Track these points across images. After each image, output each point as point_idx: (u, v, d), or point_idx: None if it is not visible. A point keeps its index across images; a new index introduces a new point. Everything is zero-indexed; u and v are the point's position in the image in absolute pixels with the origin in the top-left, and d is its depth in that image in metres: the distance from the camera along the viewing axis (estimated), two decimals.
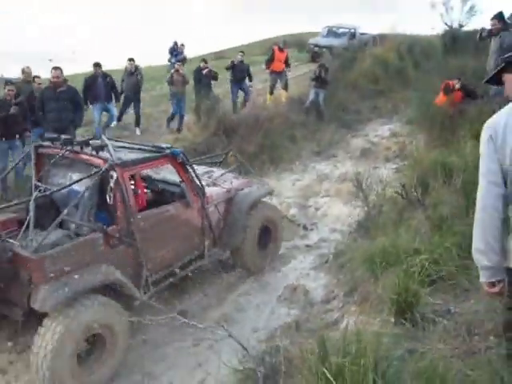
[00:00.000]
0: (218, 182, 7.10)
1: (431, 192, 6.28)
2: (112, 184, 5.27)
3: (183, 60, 15.61)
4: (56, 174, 5.91)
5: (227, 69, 14.23)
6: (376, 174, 9.66)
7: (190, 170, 6.17)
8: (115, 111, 12.18)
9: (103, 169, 5.25)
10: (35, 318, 4.81)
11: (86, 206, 5.33)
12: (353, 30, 21.65)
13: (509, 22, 10.35)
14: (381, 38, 21.41)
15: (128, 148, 6.12)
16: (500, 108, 2.96)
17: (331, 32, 21.99)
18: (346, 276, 6.16)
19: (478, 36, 10.31)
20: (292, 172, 11.52)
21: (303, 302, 6.21)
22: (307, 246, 8.20)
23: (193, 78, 13.45)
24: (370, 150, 12.68)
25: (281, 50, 14.91)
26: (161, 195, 6.47)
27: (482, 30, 10.20)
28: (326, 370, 3.00)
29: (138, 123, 12.72)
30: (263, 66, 15.76)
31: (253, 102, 13.88)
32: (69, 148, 5.66)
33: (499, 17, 9.38)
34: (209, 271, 7.21)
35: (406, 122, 13.89)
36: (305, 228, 8.81)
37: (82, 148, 5.65)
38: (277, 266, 7.44)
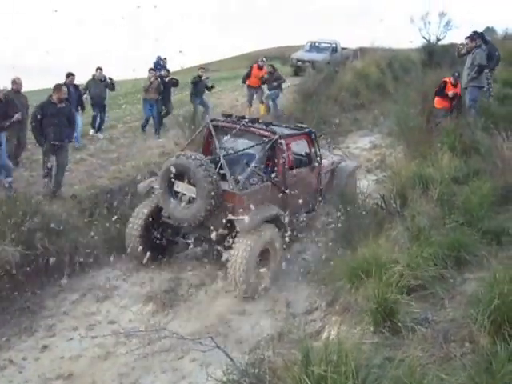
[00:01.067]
0: (323, 157, 8.87)
1: (410, 203, 6.44)
2: (279, 149, 7.43)
3: (167, 73, 15.86)
4: (227, 141, 7.78)
5: (192, 83, 14.57)
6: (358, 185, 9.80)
7: (316, 145, 8.36)
8: (80, 122, 12.31)
9: (275, 138, 7.43)
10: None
11: (259, 164, 7.40)
12: (334, 45, 22.02)
13: (488, 39, 10.87)
14: (361, 52, 21.75)
15: (280, 127, 8.42)
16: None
17: (314, 47, 22.38)
18: (327, 286, 6.26)
19: (456, 53, 10.75)
20: None
21: (286, 313, 6.30)
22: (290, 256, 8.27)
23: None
24: None
25: (260, 68, 15.23)
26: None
27: (460, 46, 10.64)
28: (307, 379, 3.09)
29: (99, 128, 13.24)
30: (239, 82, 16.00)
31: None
32: (243, 123, 7.76)
33: (478, 35, 10.00)
34: (192, 285, 7.29)
35: (386, 133, 14.08)
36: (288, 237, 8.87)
37: (253, 123, 7.83)
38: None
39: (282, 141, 7.50)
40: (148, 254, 7.44)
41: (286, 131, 8.03)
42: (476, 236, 5.37)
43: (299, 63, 21.22)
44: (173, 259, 8.04)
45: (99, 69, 12.88)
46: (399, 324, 4.08)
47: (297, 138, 8.15)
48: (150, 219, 7.58)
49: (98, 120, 13.22)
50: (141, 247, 7.52)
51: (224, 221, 6.80)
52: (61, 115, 9.03)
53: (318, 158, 8.36)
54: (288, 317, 6.23)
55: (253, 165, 7.16)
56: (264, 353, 4.72)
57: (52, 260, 7.18)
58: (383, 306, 4.12)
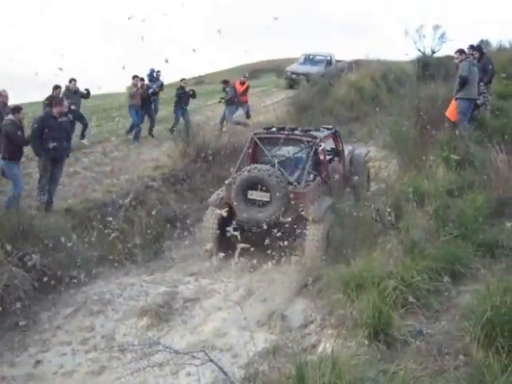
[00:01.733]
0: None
1: (404, 216, 6.44)
2: (321, 150, 8.90)
3: (161, 86, 16.04)
4: (273, 149, 9.15)
5: (177, 95, 14.88)
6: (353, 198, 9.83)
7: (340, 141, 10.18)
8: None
9: (317, 141, 8.85)
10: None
11: (308, 164, 8.75)
12: (329, 58, 22.15)
13: (484, 51, 11.10)
14: (356, 65, 21.90)
15: (314, 130, 9.69)
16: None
17: (308, 59, 22.50)
18: (323, 300, 6.24)
19: (455, 65, 10.96)
20: None
21: (281, 327, 6.27)
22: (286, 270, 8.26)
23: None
24: None
25: (242, 83, 15.46)
26: None
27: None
28: None
29: (82, 136, 13.51)
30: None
31: (232, 129, 14.05)
32: (286, 132, 9.21)
33: (474, 48, 10.75)
34: (187, 299, 7.27)
35: (380, 146, 14.15)
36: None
37: (293, 131, 9.23)
38: (255, 290, 7.48)
39: (322, 143, 8.94)
40: (220, 254, 8.35)
41: (321, 134, 9.44)
42: (470, 249, 5.36)
43: (294, 76, 21.34)
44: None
45: (73, 80, 13.01)
46: (394, 337, 4.07)
47: (328, 138, 9.76)
48: (220, 224, 8.53)
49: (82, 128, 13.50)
50: (215, 248, 8.60)
51: (294, 216, 8.19)
52: (61, 129, 9.05)
53: (343, 152, 10.25)
54: (283, 330, 6.20)
55: (307, 166, 8.69)
56: (259, 367, 4.70)
57: (46, 274, 7.16)
58: (378, 319, 4.11)
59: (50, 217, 8.49)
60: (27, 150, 9.37)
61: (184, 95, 14.83)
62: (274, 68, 26.91)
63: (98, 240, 8.57)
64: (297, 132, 9.25)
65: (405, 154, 10.08)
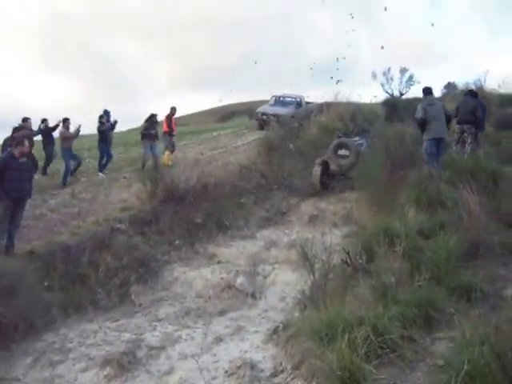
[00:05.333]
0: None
1: (376, 259, 6.29)
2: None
3: (114, 124, 16.00)
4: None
5: (100, 130, 15.10)
6: (323, 241, 9.69)
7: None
8: None
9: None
10: None
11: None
12: (299, 99, 22.39)
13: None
14: (326, 107, 22.09)
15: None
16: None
17: (278, 101, 22.71)
18: (293, 348, 5.98)
19: None
20: (240, 239, 11.42)
21: (250, 376, 5.97)
22: (255, 315, 8.01)
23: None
24: (318, 215, 12.76)
25: (168, 117, 16.07)
26: None
27: None
28: None
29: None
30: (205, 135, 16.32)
31: (202, 170, 13.95)
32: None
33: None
34: (152, 347, 6.95)
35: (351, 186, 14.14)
36: (253, 297, 8.65)
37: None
38: (224, 337, 7.20)
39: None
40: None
41: (356, 139, 15.92)
42: (444, 293, 5.22)
43: (264, 117, 21.44)
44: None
45: (45, 120, 13.50)
46: None
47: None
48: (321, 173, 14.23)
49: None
50: (319, 186, 14.16)
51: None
52: (23, 170, 8.79)
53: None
54: (252, 380, 5.90)
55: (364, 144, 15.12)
56: None
57: (1, 322, 6.80)
58: (349, 372, 3.89)
59: (10, 260, 8.15)
60: None
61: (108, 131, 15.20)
62: (247, 110, 27.16)
63: (60, 284, 8.24)
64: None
65: (375, 195, 10.02)
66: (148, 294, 8.90)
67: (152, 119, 15.40)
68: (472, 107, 11.83)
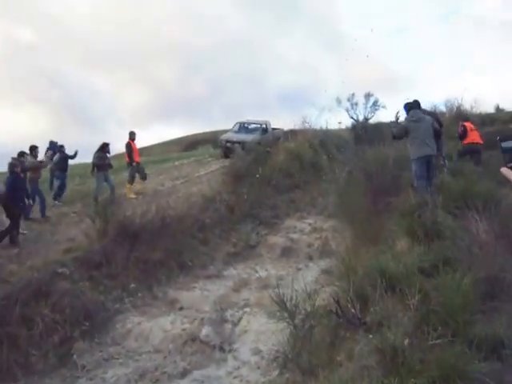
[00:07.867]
0: None
1: (371, 306, 5.02)
2: None
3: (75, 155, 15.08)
4: None
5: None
6: (300, 278, 8.44)
7: None
8: None
9: None
10: None
11: None
12: (264, 126, 21.34)
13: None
14: (292, 133, 21.17)
15: None
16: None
17: (243, 128, 21.64)
18: None
19: None
20: (205, 279, 10.06)
21: None
22: (225, 374, 6.67)
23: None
24: (291, 248, 11.64)
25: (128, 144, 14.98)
26: None
27: None
28: None
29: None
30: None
31: (161, 202, 12.60)
32: None
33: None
34: None
35: (326, 215, 13.04)
36: (221, 350, 7.32)
37: None
38: None
39: None
40: None
41: None
42: (467, 351, 3.96)
43: (228, 144, 20.25)
44: None
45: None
46: None
47: None
48: None
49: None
50: None
51: None
52: None
53: None
54: None
55: None
56: None
57: None
58: None
59: None
60: None
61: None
62: (212, 139, 26.26)
63: None
64: None
65: (357, 224, 8.81)
66: (95, 353, 7.46)
67: (104, 148, 14.07)
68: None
